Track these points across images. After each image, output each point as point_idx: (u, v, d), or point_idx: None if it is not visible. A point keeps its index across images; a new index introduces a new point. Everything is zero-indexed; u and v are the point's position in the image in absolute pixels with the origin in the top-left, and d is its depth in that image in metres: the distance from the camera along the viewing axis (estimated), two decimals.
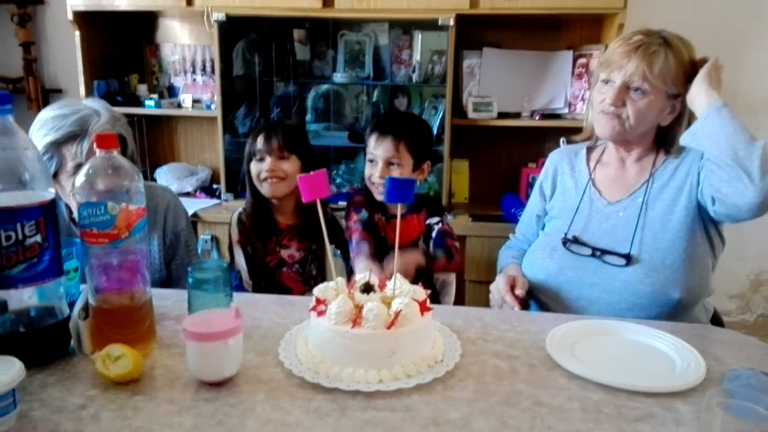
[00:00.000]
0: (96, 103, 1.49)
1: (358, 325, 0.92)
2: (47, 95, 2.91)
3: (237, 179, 2.50)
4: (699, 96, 1.27)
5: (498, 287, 1.35)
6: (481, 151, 2.64)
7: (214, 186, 2.66)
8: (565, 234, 1.39)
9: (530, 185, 2.51)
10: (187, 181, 2.65)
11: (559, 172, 1.51)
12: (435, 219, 1.68)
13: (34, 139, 1.38)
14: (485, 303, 2.26)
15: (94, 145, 0.96)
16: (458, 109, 2.47)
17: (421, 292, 1.00)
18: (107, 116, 1.46)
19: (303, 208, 1.71)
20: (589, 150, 1.50)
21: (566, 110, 2.46)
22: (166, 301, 1.23)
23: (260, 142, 1.62)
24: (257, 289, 1.66)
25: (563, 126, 2.41)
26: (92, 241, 0.94)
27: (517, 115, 2.48)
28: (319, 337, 0.95)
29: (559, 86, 2.47)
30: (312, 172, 1.00)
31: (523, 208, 2.23)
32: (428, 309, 0.98)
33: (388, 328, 0.91)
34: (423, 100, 2.58)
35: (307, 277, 1.70)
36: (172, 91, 2.81)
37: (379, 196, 1.61)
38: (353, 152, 2.62)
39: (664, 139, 1.38)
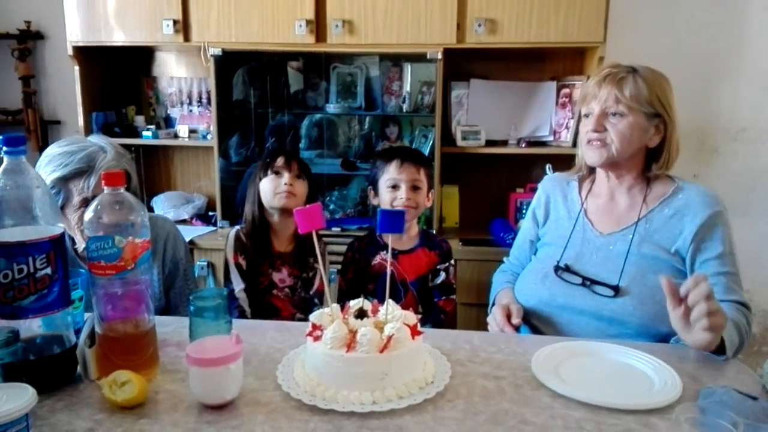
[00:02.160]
0: (101, 140, 1.56)
1: (353, 349, 0.97)
2: (46, 127, 2.98)
3: (232, 207, 2.55)
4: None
5: (495, 319, 1.40)
6: (471, 177, 2.71)
7: (210, 213, 2.71)
8: (558, 262, 1.45)
9: (518, 210, 2.59)
10: (184, 209, 2.70)
11: (551, 200, 1.58)
12: (444, 265, 1.79)
13: (42, 174, 1.44)
14: (476, 325, 2.33)
15: (102, 182, 1.02)
16: (447, 137, 2.55)
17: (412, 317, 1.06)
18: (113, 153, 1.52)
19: (299, 236, 1.77)
20: (581, 180, 1.57)
21: (551, 138, 2.55)
22: (167, 328, 1.27)
23: (280, 160, 1.72)
24: (252, 306, 1.71)
25: (549, 153, 2.50)
26: (100, 272, 0.99)
27: (504, 143, 2.56)
28: (315, 360, 1.00)
29: (543, 115, 2.56)
30: (308, 206, 1.06)
31: (512, 232, 2.32)
32: (419, 333, 1.04)
33: (381, 351, 0.97)
34: (413, 128, 2.66)
35: (296, 300, 1.75)
36: (168, 122, 2.88)
37: None
38: (346, 179, 2.68)
39: (654, 162, 1.44)
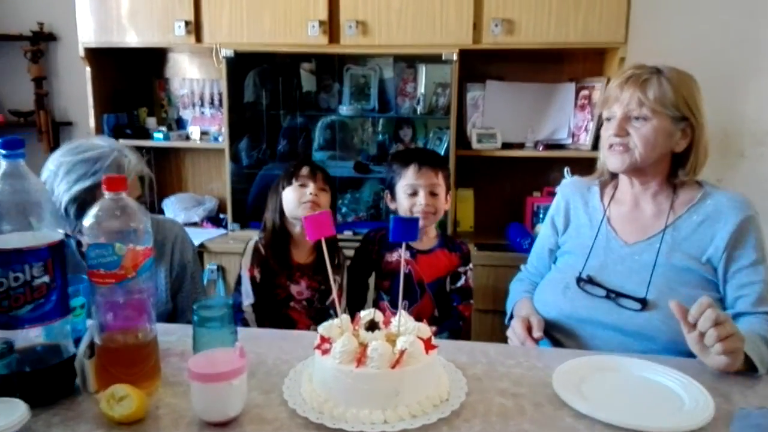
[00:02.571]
0: (110, 142, 1.55)
1: (363, 364, 0.92)
2: (57, 128, 2.96)
3: (243, 209, 2.52)
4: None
5: (515, 332, 1.34)
6: (486, 180, 2.65)
7: (221, 216, 2.68)
8: (580, 273, 1.38)
9: (535, 214, 2.52)
10: (194, 211, 2.67)
11: (571, 207, 1.51)
12: (464, 268, 1.74)
13: (63, 183, 1.43)
14: (491, 332, 2.27)
15: (104, 187, 0.97)
16: (462, 139, 2.49)
17: (425, 330, 1.00)
18: (134, 157, 1.53)
19: (320, 246, 1.73)
20: (603, 185, 1.51)
21: (569, 140, 2.48)
22: (171, 336, 1.23)
23: (305, 170, 1.67)
24: (261, 320, 1.66)
25: (567, 156, 2.43)
26: (99, 281, 0.95)
27: (520, 146, 2.49)
28: (324, 375, 0.95)
29: (562, 117, 2.49)
30: (317, 212, 1.01)
31: (529, 237, 2.25)
32: (433, 347, 0.98)
33: (393, 367, 0.91)
34: (428, 131, 2.61)
35: (313, 312, 1.70)
36: (180, 124, 2.85)
37: (420, 222, 1.65)
38: (359, 182, 2.64)
39: (680, 167, 1.37)
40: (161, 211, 2.72)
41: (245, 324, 1.61)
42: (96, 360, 0.98)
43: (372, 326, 1.00)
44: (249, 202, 2.53)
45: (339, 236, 2.36)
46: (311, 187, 1.65)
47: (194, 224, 2.64)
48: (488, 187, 2.65)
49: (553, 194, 2.50)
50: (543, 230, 1.60)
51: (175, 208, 2.66)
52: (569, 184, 1.58)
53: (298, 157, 2.55)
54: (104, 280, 0.95)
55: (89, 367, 0.98)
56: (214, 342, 1.04)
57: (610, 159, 1.38)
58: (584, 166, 2.54)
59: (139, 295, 0.99)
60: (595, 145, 2.38)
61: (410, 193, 1.67)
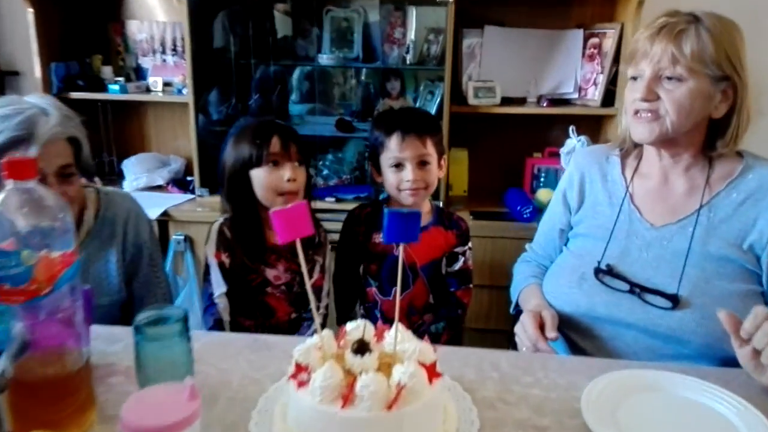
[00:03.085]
0: (44, 101, 1.26)
1: (351, 403, 0.72)
2: (3, 78, 2.63)
3: (212, 172, 2.26)
4: None
5: (526, 331, 1.14)
6: (482, 139, 2.41)
7: (188, 178, 2.42)
8: (599, 262, 1.18)
9: (535, 177, 2.31)
10: (158, 173, 2.41)
11: (587, 180, 1.30)
12: (462, 248, 1.53)
13: None
14: (488, 308, 2.10)
15: (4, 173, 0.73)
16: (457, 94, 2.24)
17: (429, 353, 0.80)
18: (57, 116, 1.23)
19: None
20: (624, 155, 1.29)
21: (576, 95, 2.24)
22: (116, 345, 1.02)
23: (276, 144, 1.37)
24: (235, 310, 1.45)
25: (572, 113, 2.20)
26: (3, 299, 0.72)
27: (522, 101, 2.25)
28: (300, 414, 0.75)
29: (568, 69, 2.24)
30: (289, 205, 0.78)
31: (529, 205, 2.05)
32: (438, 375, 0.78)
33: (389, 408, 0.71)
34: (418, 84, 2.34)
35: (294, 297, 1.49)
36: (140, 73, 2.54)
37: (409, 199, 1.44)
38: (341, 141, 2.39)
39: (719, 136, 1.15)
40: (120, 174, 2.45)
41: (217, 322, 1.40)
42: (9, 396, 0.77)
43: (361, 348, 0.79)
44: (219, 168, 2.26)
45: (320, 204, 2.14)
46: (288, 170, 1.38)
47: (158, 188, 2.39)
48: (484, 147, 2.42)
49: (555, 156, 2.31)
50: (552, 206, 1.39)
51: (135, 170, 2.39)
52: (584, 153, 1.36)
53: (272, 112, 2.28)
54: (10, 298, 0.73)
55: (3, 405, 0.77)
56: (162, 367, 0.83)
57: (635, 127, 1.16)
58: (592, 124, 2.33)
59: (62, 313, 0.77)
60: (606, 101, 2.15)
61: (395, 166, 1.44)
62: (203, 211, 2.14)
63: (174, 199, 2.25)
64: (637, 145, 1.25)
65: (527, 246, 1.46)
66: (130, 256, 1.43)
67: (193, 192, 2.30)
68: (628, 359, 1.10)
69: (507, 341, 1.55)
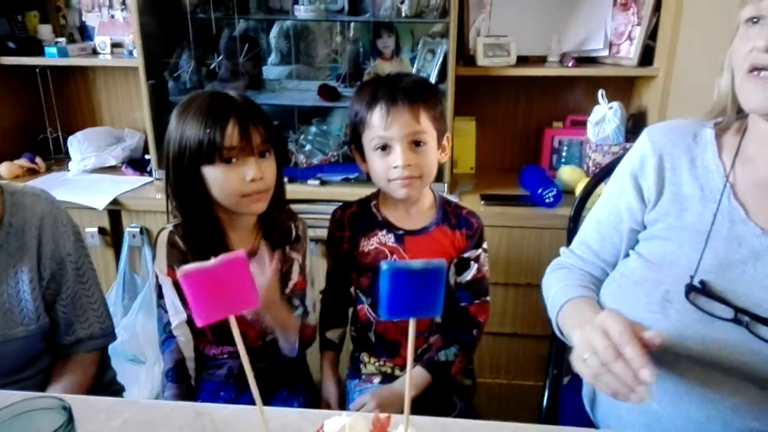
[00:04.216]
0: None
1: None
2: None
3: None
4: None
5: (608, 330, 0.73)
6: (491, 107, 2.05)
7: (147, 157, 2.05)
8: (691, 277, 0.85)
9: (555, 151, 1.96)
10: (110, 151, 2.04)
11: (667, 165, 0.93)
12: (474, 252, 1.19)
13: None
14: (501, 310, 1.78)
15: None
16: (462, 53, 1.87)
17: None
18: None
19: (266, 221, 1.16)
20: (720, 132, 0.94)
21: (606, 52, 1.87)
22: None
23: (233, 136, 1.01)
24: (198, 337, 1.14)
25: (601, 75, 1.84)
26: None
27: (541, 60, 1.88)
28: None
29: (596, 20, 1.86)
30: (213, 262, 0.44)
31: (552, 187, 1.69)
32: None
33: None
34: (415, 41, 1.96)
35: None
36: (84, 33, 2.14)
37: (401, 191, 1.11)
38: (325, 111, 2.03)
39: None
40: (66, 154, 2.08)
41: (178, 364, 1.09)
42: None
43: None
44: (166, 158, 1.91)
45: (301, 189, 1.80)
46: (250, 167, 1.04)
47: (111, 169, 2.03)
48: (495, 116, 2.05)
49: (579, 125, 1.96)
50: (612, 195, 1.01)
51: (84, 149, 2.02)
52: (661, 129, 0.99)
53: (239, 76, 1.90)
54: None
55: None
56: None
57: (751, 92, 0.81)
58: (623, 88, 1.96)
59: None
60: (644, 60, 1.79)
61: (381, 149, 1.10)
62: (161, 199, 1.77)
63: (127, 183, 1.89)
64: (740, 119, 0.91)
65: (564, 250, 1.11)
66: (49, 273, 1.10)
67: (151, 174, 1.94)
68: (723, 418, 0.79)
69: (546, 364, 1.23)
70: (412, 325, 0.49)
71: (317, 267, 1.44)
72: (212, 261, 0.44)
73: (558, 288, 0.99)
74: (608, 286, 0.98)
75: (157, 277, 1.13)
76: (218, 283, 0.44)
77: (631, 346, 0.70)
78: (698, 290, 0.84)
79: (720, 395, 0.82)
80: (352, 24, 2.00)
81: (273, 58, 2.07)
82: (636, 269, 0.94)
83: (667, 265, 0.89)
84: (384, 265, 0.46)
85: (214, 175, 1.05)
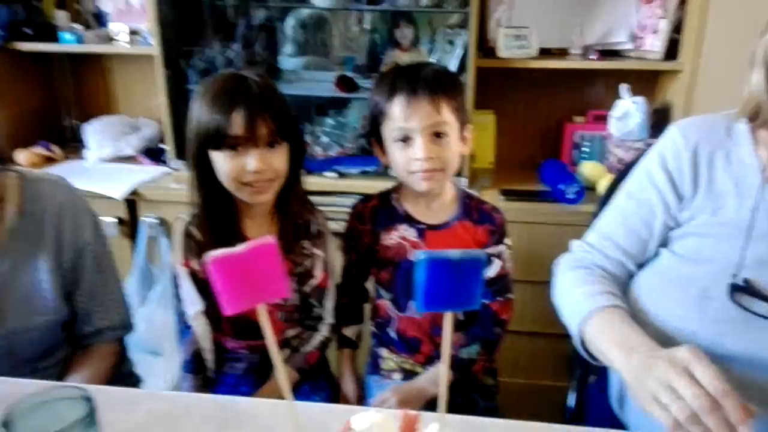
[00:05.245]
0: None
1: None
2: None
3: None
4: None
5: (701, 379, 0.67)
6: (511, 100, 2.02)
7: (163, 146, 2.04)
8: (734, 275, 0.82)
9: (576, 146, 1.93)
10: (127, 140, 2.03)
11: (702, 160, 0.91)
12: (496, 248, 1.17)
13: None
14: (521, 308, 1.72)
15: None
16: (482, 44, 1.84)
17: None
18: None
19: (283, 209, 1.14)
20: (757, 126, 0.91)
21: (629, 45, 1.84)
22: None
23: (238, 124, 1.00)
24: (217, 329, 1.13)
25: (625, 68, 1.80)
26: None
27: (563, 53, 1.85)
28: None
29: (620, 12, 1.82)
30: (240, 248, 0.43)
31: (574, 183, 1.66)
32: None
33: None
34: (434, 31, 1.93)
35: (288, 307, 1.14)
36: (100, 19, 2.12)
37: (422, 184, 1.09)
38: (343, 102, 2.01)
39: None
40: (81, 142, 2.07)
41: (195, 357, 1.09)
42: None
43: None
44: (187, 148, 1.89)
45: (318, 181, 1.78)
46: (253, 157, 1.02)
47: (128, 159, 2.02)
48: (515, 109, 2.02)
49: (601, 120, 1.91)
50: (640, 189, 0.96)
51: (100, 137, 2.01)
52: (693, 123, 0.95)
53: (256, 66, 1.88)
54: None
55: None
56: None
57: None
58: (646, 82, 1.91)
59: None
60: (669, 54, 1.75)
61: (401, 140, 1.08)
62: (179, 189, 1.78)
63: (144, 173, 1.89)
64: None
65: (578, 244, 1.03)
66: (69, 262, 1.09)
67: (167, 164, 1.93)
68: (763, 419, 0.77)
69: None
70: (447, 318, 0.47)
71: None
72: (241, 246, 0.42)
73: (579, 293, 0.92)
74: (641, 285, 0.95)
75: (173, 269, 1.13)
76: (248, 270, 0.42)
77: (730, 398, 0.64)
78: (741, 288, 0.81)
79: (759, 394, 0.80)
80: (369, 14, 1.97)
81: (289, 48, 2.06)
82: (670, 267, 0.91)
83: (704, 262, 0.87)
84: (421, 255, 0.44)
85: (218, 159, 1.04)
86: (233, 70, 1.08)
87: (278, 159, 1.05)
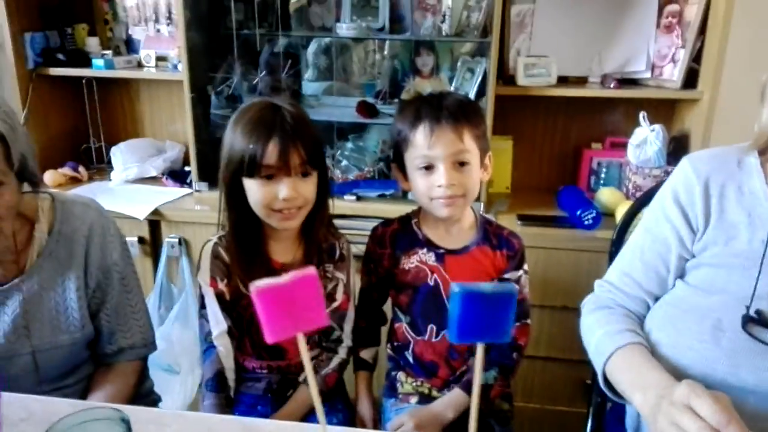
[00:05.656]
0: None
1: None
2: None
3: (213, 162, 1.93)
4: None
5: (701, 412, 0.68)
6: (529, 126, 2.04)
7: (187, 168, 2.09)
8: (747, 307, 0.83)
9: (594, 173, 1.94)
10: (152, 162, 2.08)
11: (714, 192, 0.92)
12: (515, 274, 1.19)
13: None
14: (537, 333, 1.74)
15: None
16: (501, 72, 1.87)
17: None
18: None
19: (308, 234, 1.17)
20: (764, 160, 0.92)
21: (648, 74, 1.85)
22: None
23: (272, 153, 1.03)
24: (240, 349, 1.15)
25: (643, 96, 1.82)
26: None
27: (582, 81, 1.87)
28: None
29: (639, 42, 1.85)
30: (287, 278, 0.45)
31: (591, 209, 1.67)
32: None
33: None
34: (455, 60, 1.97)
35: (309, 332, 1.16)
36: (130, 46, 2.20)
37: (444, 210, 1.11)
38: (363, 127, 2.04)
39: None
40: (110, 164, 2.13)
41: (217, 376, 1.10)
42: None
43: None
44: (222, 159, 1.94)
45: (337, 203, 1.80)
46: (286, 187, 1.05)
47: (152, 179, 2.07)
48: (532, 136, 2.04)
49: (619, 147, 1.92)
50: (655, 223, 0.98)
51: (126, 159, 2.07)
52: (704, 156, 0.97)
53: (280, 92, 1.93)
54: None
55: None
56: None
57: None
58: (664, 110, 1.91)
59: None
60: (688, 83, 1.76)
61: (424, 168, 1.10)
62: (201, 211, 1.82)
63: (167, 194, 1.93)
64: None
65: (601, 284, 1.05)
66: (95, 282, 1.12)
67: (191, 185, 1.97)
68: None
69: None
70: (479, 350, 0.48)
71: None
72: (285, 277, 0.44)
73: (602, 334, 0.94)
74: (654, 316, 0.96)
75: (200, 288, 1.15)
76: (290, 300, 0.44)
77: (734, 425, 0.66)
78: (754, 320, 0.81)
79: None
80: (391, 43, 2.02)
81: (310, 74, 2.11)
82: (684, 298, 0.92)
83: (717, 293, 0.87)
84: (456, 288, 0.46)
85: (251, 187, 1.07)
86: (267, 99, 1.12)
87: (308, 187, 1.09)
